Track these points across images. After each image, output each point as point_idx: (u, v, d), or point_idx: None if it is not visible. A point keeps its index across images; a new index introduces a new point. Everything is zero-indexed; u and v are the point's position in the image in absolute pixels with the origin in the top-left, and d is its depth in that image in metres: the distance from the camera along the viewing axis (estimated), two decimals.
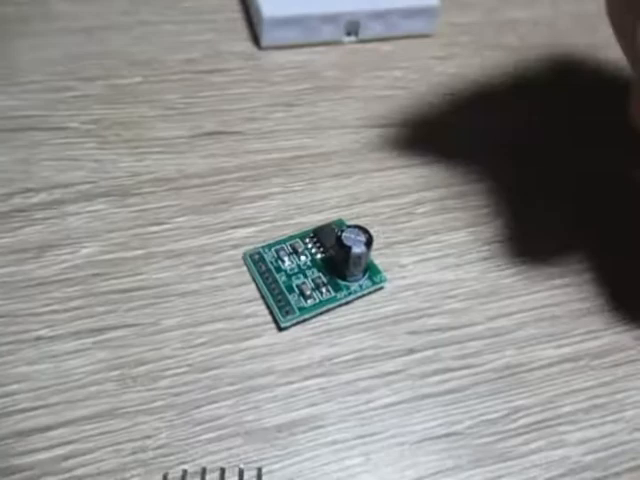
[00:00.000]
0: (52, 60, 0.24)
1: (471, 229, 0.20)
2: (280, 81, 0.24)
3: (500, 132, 0.24)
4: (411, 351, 0.18)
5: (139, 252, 0.19)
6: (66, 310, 0.17)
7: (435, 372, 0.17)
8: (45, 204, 0.20)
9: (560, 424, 0.17)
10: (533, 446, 0.16)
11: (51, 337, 0.17)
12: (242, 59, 0.25)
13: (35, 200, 0.20)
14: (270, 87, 0.24)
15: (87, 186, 0.20)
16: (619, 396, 0.17)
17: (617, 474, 0.16)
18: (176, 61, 0.25)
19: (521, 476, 0.16)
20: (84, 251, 0.19)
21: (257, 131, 0.23)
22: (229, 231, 0.20)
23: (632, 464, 0.16)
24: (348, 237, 0.18)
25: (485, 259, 0.20)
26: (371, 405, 0.17)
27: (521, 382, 0.17)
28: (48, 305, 0.17)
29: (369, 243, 0.18)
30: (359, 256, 0.18)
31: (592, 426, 0.17)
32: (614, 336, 0.18)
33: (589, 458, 0.16)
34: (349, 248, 0.17)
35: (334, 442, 0.16)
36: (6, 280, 0.18)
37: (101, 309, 0.17)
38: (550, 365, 0.18)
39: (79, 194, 0.20)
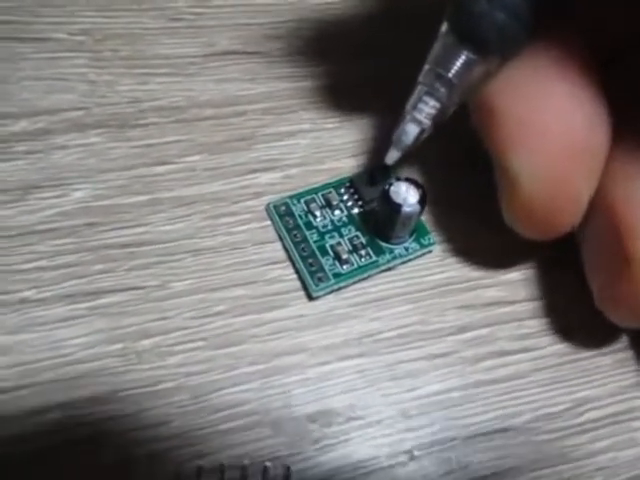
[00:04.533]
0: None
1: None
2: None
3: None
4: (463, 329, 0.15)
5: (142, 198, 0.16)
6: (55, 267, 0.14)
7: (490, 355, 0.15)
8: (27, 134, 0.16)
9: (632, 419, 0.14)
10: (600, 445, 0.14)
11: (38, 300, 0.14)
12: None
13: (15, 129, 0.16)
14: None
15: (78, 113, 0.17)
16: None
17: None
18: None
19: (586, 479, 0.14)
20: (75, 195, 0.15)
21: (282, 52, 0.19)
22: (250, 175, 0.16)
23: None
24: (397, 192, 0.14)
25: None
26: (416, 393, 0.14)
27: (588, 369, 0.15)
28: (33, 261, 0.14)
29: (422, 201, 0.14)
30: (409, 217, 0.15)
31: None
32: None
33: None
34: (399, 207, 0.14)
35: (374, 436, 0.14)
36: None
37: (97, 267, 0.15)
38: (623, 349, 0.15)
39: (69, 123, 0.16)
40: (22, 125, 0.16)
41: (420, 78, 0.13)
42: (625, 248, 0.12)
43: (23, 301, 0.14)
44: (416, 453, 0.13)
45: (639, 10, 0.13)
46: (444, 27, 0.13)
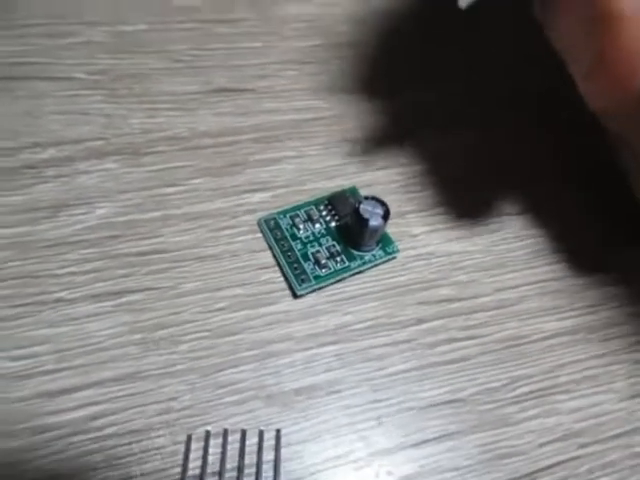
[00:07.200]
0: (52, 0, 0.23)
1: (479, 202, 0.21)
2: (291, 36, 0.24)
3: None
4: (421, 321, 0.18)
5: (155, 214, 0.19)
6: (84, 272, 0.17)
7: (442, 342, 0.18)
8: (55, 160, 0.19)
9: (555, 393, 0.18)
10: (530, 413, 0.17)
11: (71, 299, 0.17)
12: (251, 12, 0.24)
13: (44, 156, 0.19)
14: (281, 42, 0.24)
15: (98, 142, 0.20)
16: (611, 368, 0.18)
17: (604, 440, 0.17)
18: (180, 9, 0.24)
19: (517, 441, 0.17)
20: (99, 212, 0.18)
21: (269, 89, 0.22)
22: (244, 195, 0.20)
23: (618, 431, 0.17)
24: (365, 209, 0.18)
25: (493, 232, 0.20)
26: (383, 372, 0.17)
27: (522, 353, 0.18)
28: (65, 267, 0.17)
29: (386, 216, 0.18)
30: (376, 229, 0.18)
31: (583, 396, 0.18)
32: (609, 311, 0.19)
33: (579, 425, 0.17)
34: (366, 221, 0.18)
35: (348, 406, 0.17)
36: (21, 240, 0.18)
37: (119, 272, 0.18)
38: (550, 337, 0.19)
39: (90, 151, 0.19)
40: (50, 153, 0.19)
41: None
42: (604, 7, 0.12)
43: (58, 300, 0.17)
44: (383, 419, 0.17)
45: None
46: None
